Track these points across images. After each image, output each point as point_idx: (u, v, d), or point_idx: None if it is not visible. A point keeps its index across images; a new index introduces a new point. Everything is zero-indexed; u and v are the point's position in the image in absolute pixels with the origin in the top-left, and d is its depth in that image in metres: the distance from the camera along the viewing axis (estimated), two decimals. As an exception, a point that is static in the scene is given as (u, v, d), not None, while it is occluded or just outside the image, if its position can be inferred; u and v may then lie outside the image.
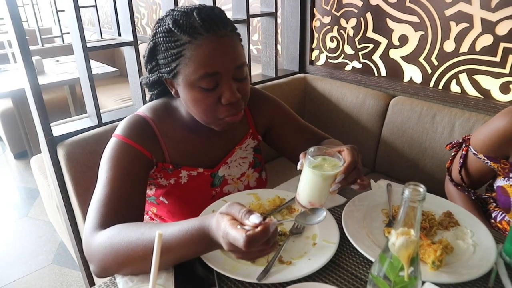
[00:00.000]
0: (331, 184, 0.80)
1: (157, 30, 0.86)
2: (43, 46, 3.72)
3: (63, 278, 2.00)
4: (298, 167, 0.85)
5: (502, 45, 1.49)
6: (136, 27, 3.69)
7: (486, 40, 1.52)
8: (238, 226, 0.62)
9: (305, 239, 0.84)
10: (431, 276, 0.72)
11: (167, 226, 0.73)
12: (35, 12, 3.90)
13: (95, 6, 3.68)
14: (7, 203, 2.74)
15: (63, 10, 1.58)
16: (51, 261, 2.12)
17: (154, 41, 0.87)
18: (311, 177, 0.81)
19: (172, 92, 0.92)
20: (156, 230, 0.59)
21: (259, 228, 0.61)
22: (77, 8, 1.26)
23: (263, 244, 0.62)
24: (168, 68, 0.85)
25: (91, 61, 1.36)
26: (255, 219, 0.62)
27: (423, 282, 0.65)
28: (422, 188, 0.53)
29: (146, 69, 0.94)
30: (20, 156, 3.36)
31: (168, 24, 0.83)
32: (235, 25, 0.88)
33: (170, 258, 0.72)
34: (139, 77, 1.51)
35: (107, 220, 0.80)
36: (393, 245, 0.56)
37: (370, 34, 1.90)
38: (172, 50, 0.83)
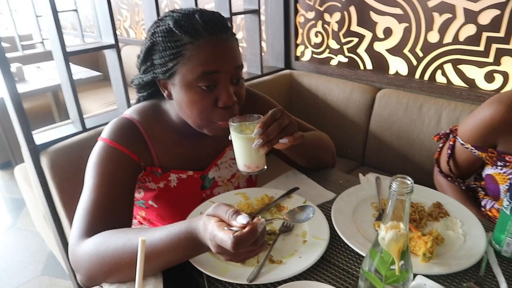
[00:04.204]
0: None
1: (155, 30, 0.84)
2: (23, 52, 3.64)
3: (53, 288, 1.96)
4: (229, 138, 0.85)
5: (485, 34, 1.50)
6: (119, 30, 3.64)
7: (469, 30, 1.53)
8: (225, 228, 0.61)
9: (295, 237, 0.83)
10: (423, 268, 0.72)
11: (154, 230, 0.71)
12: (13, 19, 3.81)
13: (76, 10, 3.62)
14: (-7, 214, 2.68)
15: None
16: (40, 271, 2.08)
17: (152, 40, 0.84)
18: (237, 141, 0.83)
19: (165, 94, 0.90)
20: (142, 236, 0.57)
21: (246, 229, 0.59)
22: (55, 12, 1.23)
23: (251, 244, 0.61)
24: (164, 68, 0.83)
25: (74, 66, 1.34)
26: (242, 219, 0.61)
27: (415, 275, 0.64)
28: (409, 181, 0.53)
29: (139, 69, 0.91)
30: (4, 166, 3.28)
31: (169, 24, 0.81)
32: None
33: (158, 263, 0.70)
34: (122, 80, 1.48)
35: (93, 227, 0.78)
36: (383, 239, 0.55)
37: (354, 27, 1.90)
38: (171, 50, 0.81)
